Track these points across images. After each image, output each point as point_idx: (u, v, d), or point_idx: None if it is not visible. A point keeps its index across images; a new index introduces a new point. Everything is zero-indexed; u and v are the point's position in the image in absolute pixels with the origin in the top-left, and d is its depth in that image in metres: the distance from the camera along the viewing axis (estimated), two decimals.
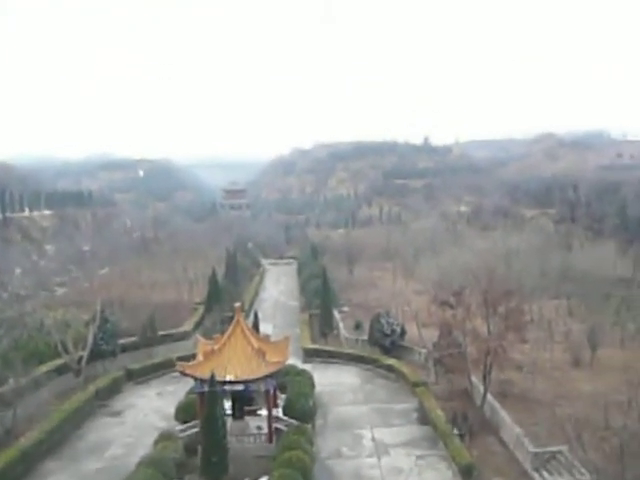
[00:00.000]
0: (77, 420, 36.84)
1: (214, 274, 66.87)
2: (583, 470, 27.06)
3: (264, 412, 33.24)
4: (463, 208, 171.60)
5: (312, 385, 39.62)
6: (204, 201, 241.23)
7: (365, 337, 53.07)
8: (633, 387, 29.81)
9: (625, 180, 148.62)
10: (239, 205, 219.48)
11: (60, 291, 77.98)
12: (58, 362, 43.32)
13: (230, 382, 30.37)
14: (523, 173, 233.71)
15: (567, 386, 40.83)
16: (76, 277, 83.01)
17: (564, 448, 29.10)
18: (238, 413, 33.38)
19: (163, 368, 46.95)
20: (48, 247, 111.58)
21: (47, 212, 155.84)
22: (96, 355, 45.58)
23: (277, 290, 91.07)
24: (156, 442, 30.93)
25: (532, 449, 29.34)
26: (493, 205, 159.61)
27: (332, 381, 44.63)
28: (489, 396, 36.32)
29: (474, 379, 38.62)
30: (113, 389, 43.11)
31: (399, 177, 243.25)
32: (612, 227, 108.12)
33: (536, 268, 73.88)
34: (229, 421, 32.00)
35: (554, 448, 29.50)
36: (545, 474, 28.42)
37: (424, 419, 35.90)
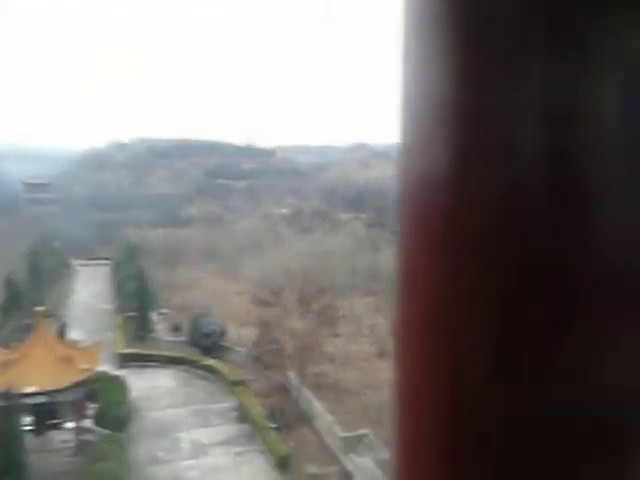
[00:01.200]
0: None
1: (12, 276, 59.90)
2: (385, 449, 30.17)
3: (72, 424, 30.86)
4: (284, 210, 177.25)
5: (126, 391, 37.77)
6: (3, 195, 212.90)
7: (184, 338, 52.10)
8: None
9: None
10: (43, 200, 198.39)
11: None
12: None
13: (31, 394, 27.64)
14: (340, 179, 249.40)
15: (372, 375, 44.82)
16: None
17: (368, 431, 32.10)
18: (40, 428, 30.46)
19: None
20: None
21: None
22: None
23: (87, 292, 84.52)
24: None
25: (341, 434, 31.82)
26: (312, 208, 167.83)
27: (148, 385, 42.87)
28: (304, 389, 38.34)
29: (291, 374, 40.41)
30: None
31: (221, 177, 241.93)
32: None
33: (349, 268, 79.90)
34: (31, 438, 29.05)
35: (360, 432, 32.38)
36: (353, 456, 31.05)
37: (243, 417, 36.54)
